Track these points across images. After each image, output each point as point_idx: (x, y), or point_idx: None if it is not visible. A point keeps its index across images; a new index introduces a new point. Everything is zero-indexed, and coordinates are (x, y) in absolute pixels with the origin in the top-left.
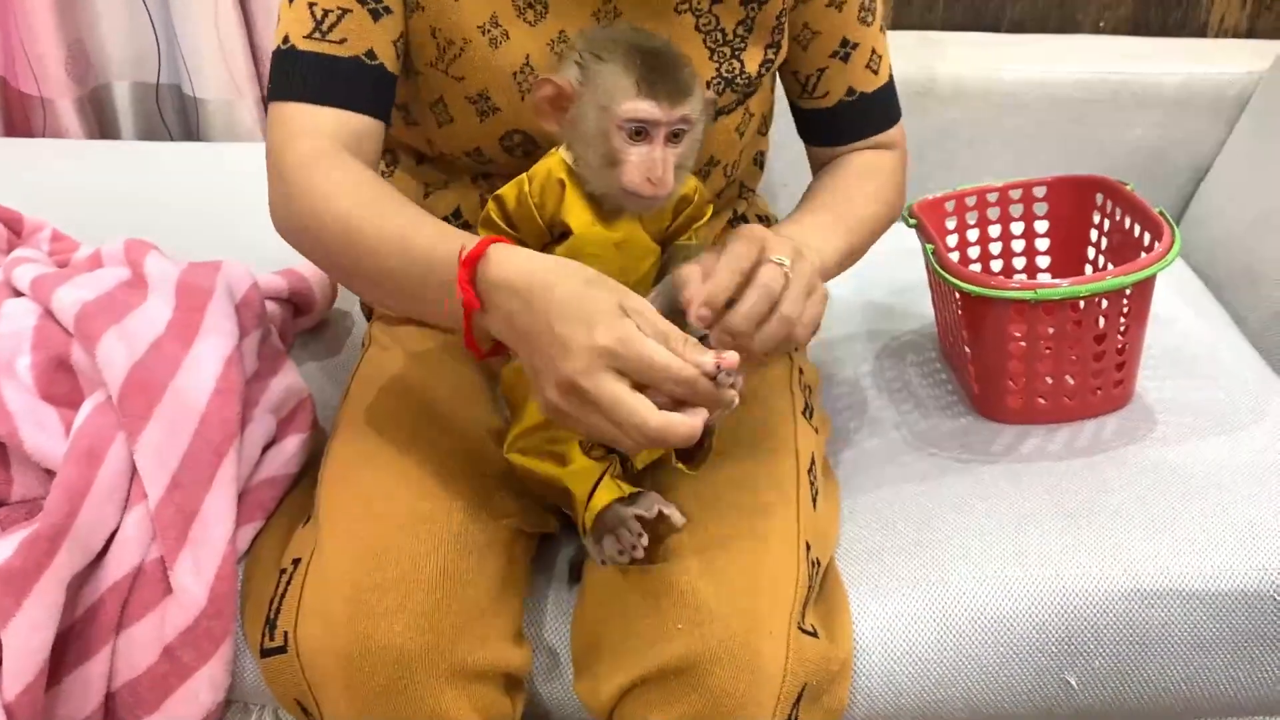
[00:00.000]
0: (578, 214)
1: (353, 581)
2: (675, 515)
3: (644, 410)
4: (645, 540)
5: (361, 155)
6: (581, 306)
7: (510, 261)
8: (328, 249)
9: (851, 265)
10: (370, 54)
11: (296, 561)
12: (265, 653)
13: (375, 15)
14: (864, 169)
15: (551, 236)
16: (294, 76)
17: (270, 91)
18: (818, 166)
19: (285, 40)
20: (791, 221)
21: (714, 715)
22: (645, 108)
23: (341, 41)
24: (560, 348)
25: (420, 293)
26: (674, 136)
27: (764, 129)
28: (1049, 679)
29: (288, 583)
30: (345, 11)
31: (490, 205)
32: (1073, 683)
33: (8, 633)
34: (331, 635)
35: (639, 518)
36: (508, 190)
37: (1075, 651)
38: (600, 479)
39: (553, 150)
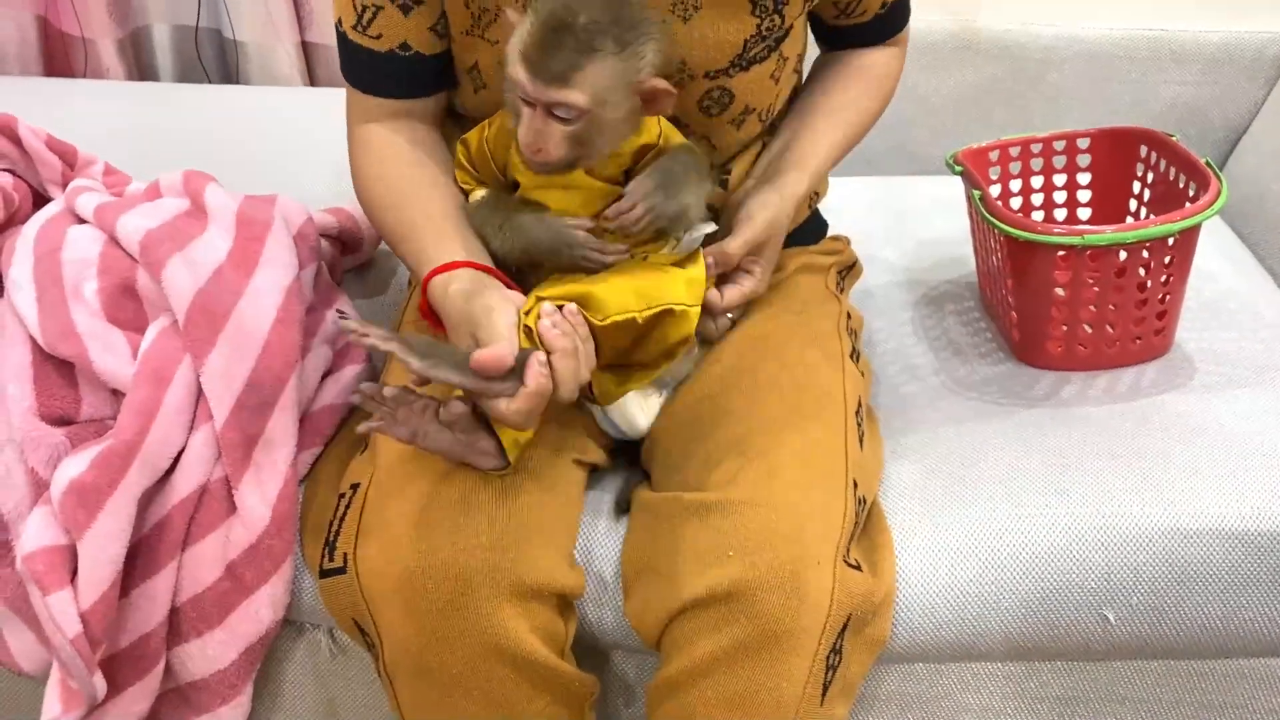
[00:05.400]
0: (517, 163)
1: (414, 504)
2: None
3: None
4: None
5: (415, 124)
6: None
7: (434, 291)
8: (367, 212)
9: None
10: (404, 45)
11: (355, 486)
12: (324, 573)
13: (405, 10)
14: (869, 71)
15: (506, 180)
16: (348, 62)
17: (340, 66)
18: (824, 58)
19: (339, 24)
20: (795, 133)
21: (762, 641)
22: (521, 78)
23: (378, 37)
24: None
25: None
26: (560, 117)
27: (799, 67)
28: (1087, 614)
29: (347, 506)
30: (379, 8)
31: (459, 147)
32: (1111, 618)
33: (84, 543)
34: (392, 555)
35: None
36: (471, 134)
37: (1114, 588)
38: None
39: None
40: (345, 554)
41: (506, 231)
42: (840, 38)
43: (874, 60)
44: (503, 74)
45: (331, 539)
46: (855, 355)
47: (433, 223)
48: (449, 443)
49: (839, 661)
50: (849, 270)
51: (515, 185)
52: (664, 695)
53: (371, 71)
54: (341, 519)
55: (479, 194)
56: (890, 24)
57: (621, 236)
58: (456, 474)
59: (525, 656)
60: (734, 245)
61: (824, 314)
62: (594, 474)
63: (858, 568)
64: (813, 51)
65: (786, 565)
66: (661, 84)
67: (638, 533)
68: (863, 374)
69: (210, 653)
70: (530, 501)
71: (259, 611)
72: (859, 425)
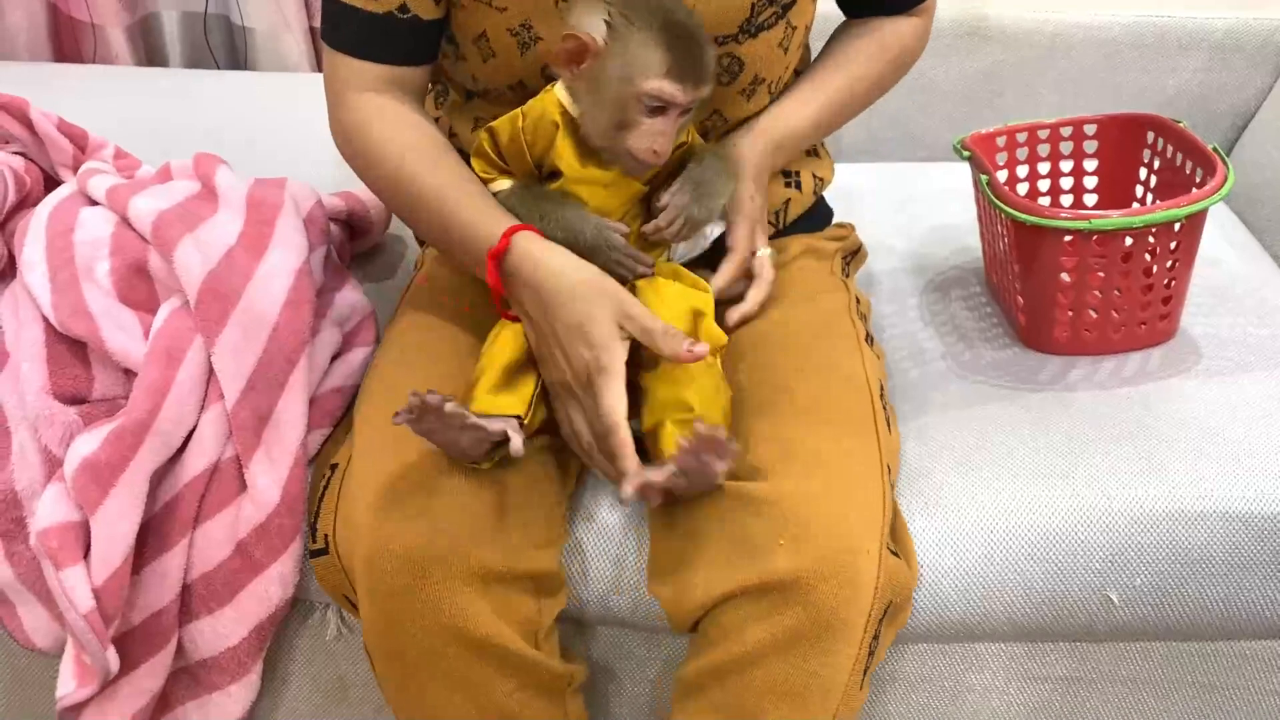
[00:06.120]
0: (568, 158)
1: (377, 488)
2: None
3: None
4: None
5: (403, 97)
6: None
7: (527, 258)
8: (379, 191)
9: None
10: (403, 8)
11: (334, 467)
12: (312, 554)
13: None
14: (887, 41)
15: (541, 174)
16: (339, 26)
17: (322, 33)
18: (844, 25)
19: None
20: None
21: (814, 630)
22: (670, 90)
23: None
24: (567, 343)
25: (457, 255)
26: (685, 111)
27: (807, 40)
28: (1091, 595)
29: (324, 488)
30: None
31: (483, 136)
32: (1114, 599)
33: (96, 520)
34: (357, 539)
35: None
36: (502, 124)
37: (1118, 569)
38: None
39: (549, 87)
40: (325, 535)
41: (549, 222)
42: (862, 2)
43: (897, 31)
44: (514, 42)
45: (313, 520)
46: (870, 339)
47: (473, 189)
48: (454, 443)
49: (877, 648)
50: (854, 255)
51: (550, 176)
52: (707, 682)
53: (367, 33)
54: (320, 500)
55: (503, 184)
56: None
57: (652, 245)
58: (426, 459)
59: (486, 641)
60: (722, 283)
61: (834, 301)
62: None
63: (896, 554)
64: (828, 25)
65: (839, 554)
66: (712, 47)
67: (675, 513)
68: (878, 357)
69: (220, 630)
70: (499, 487)
71: (269, 590)
72: (884, 409)
